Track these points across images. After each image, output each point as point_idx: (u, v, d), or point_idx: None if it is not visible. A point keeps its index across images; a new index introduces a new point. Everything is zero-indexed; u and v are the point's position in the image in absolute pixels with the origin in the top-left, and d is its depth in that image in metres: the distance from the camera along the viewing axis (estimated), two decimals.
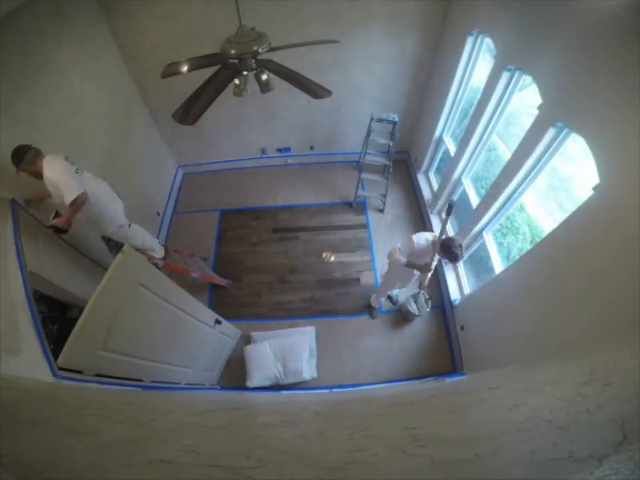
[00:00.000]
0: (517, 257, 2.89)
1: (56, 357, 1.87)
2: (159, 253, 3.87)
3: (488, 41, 3.45)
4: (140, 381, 2.54)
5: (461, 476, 0.95)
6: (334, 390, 3.68)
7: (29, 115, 2.76)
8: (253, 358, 3.88)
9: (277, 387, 3.85)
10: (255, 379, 3.77)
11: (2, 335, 1.62)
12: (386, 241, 4.97)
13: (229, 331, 3.92)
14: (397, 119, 4.50)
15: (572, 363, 1.66)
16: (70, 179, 2.50)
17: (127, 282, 2.21)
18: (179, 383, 3.09)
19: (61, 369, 1.85)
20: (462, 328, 3.82)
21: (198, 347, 3.32)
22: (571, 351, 1.87)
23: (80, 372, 2.01)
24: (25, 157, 2.38)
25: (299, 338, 4.01)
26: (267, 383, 3.81)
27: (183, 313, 2.90)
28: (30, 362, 1.73)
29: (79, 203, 2.51)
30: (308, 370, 3.84)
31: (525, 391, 1.63)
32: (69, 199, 2.45)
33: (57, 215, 2.70)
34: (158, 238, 4.87)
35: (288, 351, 3.87)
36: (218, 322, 3.43)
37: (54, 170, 2.48)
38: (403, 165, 5.86)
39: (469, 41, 3.59)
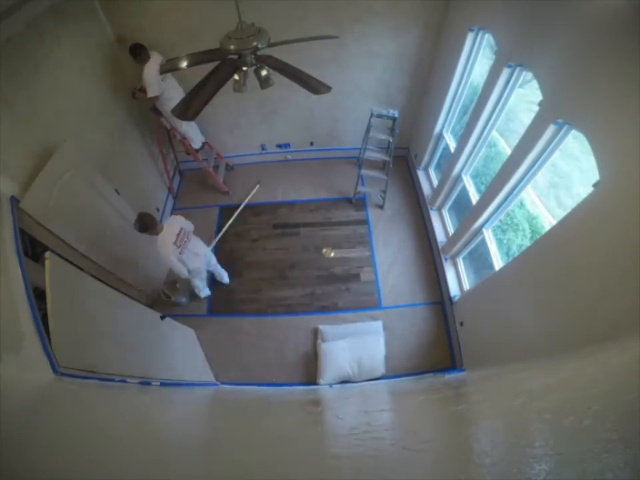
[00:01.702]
0: (517, 254, 2.89)
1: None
2: (197, 143, 4.92)
3: (488, 37, 3.43)
4: (141, 377, 2.55)
5: (460, 472, 0.95)
6: (333, 386, 3.69)
7: (29, 112, 2.75)
8: (328, 356, 3.84)
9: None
10: (328, 376, 3.75)
11: (2, 332, 1.62)
12: (386, 237, 4.98)
13: (179, 326, 3.80)
14: (396, 115, 4.49)
15: (571, 360, 1.66)
16: (153, 82, 3.91)
17: (64, 287, 2.19)
18: (180, 380, 3.10)
19: (61, 365, 1.85)
20: (461, 324, 3.83)
21: (158, 342, 3.25)
22: (570, 347, 1.87)
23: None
24: (137, 56, 3.84)
25: (373, 337, 4.00)
26: (338, 380, 3.79)
27: (127, 314, 2.90)
28: (31, 359, 1.73)
29: (151, 100, 4.08)
30: (381, 368, 3.86)
31: (523, 388, 1.64)
32: (148, 94, 3.97)
33: (140, 89, 4.13)
34: None
35: (364, 350, 3.86)
36: (162, 317, 3.37)
37: (147, 70, 3.86)
38: (402, 161, 5.85)
39: (470, 36, 3.57)
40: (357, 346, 3.87)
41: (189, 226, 3.59)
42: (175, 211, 5.39)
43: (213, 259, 4.22)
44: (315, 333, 4.15)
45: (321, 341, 4.00)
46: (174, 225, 3.41)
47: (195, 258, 3.62)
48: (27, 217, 2.51)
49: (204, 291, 4.36)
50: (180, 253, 3.38)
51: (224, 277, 4.54)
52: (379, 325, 4.16)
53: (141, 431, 1.42)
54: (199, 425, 1.83)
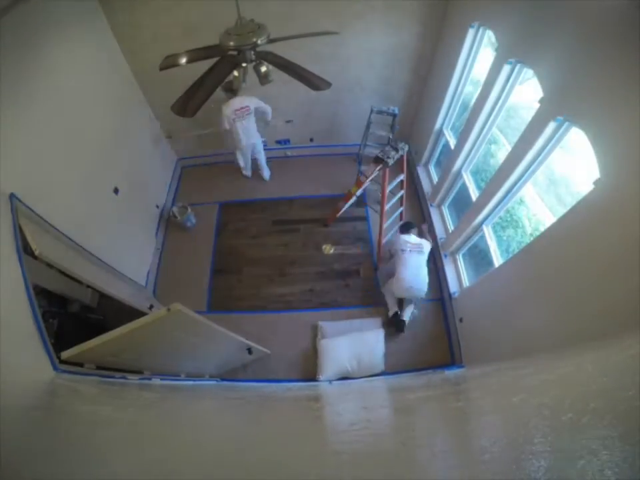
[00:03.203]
0: (517, 251, 2.89)
1: (56, 351, 1.87)
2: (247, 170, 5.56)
3: (489, 34, 3.41)
4: (140, 373, 2.56)
5: (460, 468, 0.96)
6: (333, 382, 3.70)
7: (28, 110, 2.72)
8: (327, 352, 3.83)
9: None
10: (327, 372, 3.74)
11: (2, 329, 1.62)
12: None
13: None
14: (396, 111, 4.47)
15: (571, 356, 1.67)
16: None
17: None
18: (179, 375, 3.11)
19: (62, 362, 1.85)
20: (461, 320, 3.84)
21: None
22: (570, 345, 1.88)
23: (80, 365, 2.02)
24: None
25: (372, 334, 3.99)
26: (338, 376, 3.79)
27: None
28: (30, 356, 1.73)
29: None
30: (380, 365, 3.86)
31: (522, 384, 1.65)
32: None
33: None
34: (157, 231, 4.90)
35: (363, 346, 3.86)
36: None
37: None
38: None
39: (470, 33, 3.55)
40: (356, 342, 3.87)
41: (259, 107, 4.59)
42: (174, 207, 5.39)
43: (260, 148, 5.12)
44: (315, 329, 4.15)
45: (320, 338, 4.01)
46: (244, 101, 4.44)
47: (243, 132, 4.65)
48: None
49: (246, 170, 5.47)
50: (234, 121, 4.49)
51: (264, 172, 5.48)
52: (378, 321, 4.16)
53: (142, 430, 1.43)
54: (200, 423, 1.84)
